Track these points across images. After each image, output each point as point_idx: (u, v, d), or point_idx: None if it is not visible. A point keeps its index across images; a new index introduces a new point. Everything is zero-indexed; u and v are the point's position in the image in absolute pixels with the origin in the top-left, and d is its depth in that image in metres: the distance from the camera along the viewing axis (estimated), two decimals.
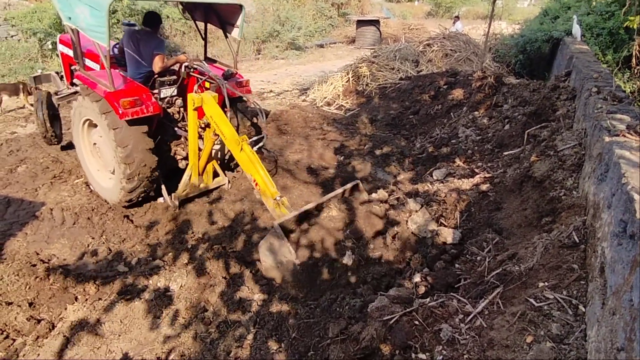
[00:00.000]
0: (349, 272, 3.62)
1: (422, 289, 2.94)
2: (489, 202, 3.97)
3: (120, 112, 4.25)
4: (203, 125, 4.69)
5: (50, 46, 11.57)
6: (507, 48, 11.25)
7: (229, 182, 5.44)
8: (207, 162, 5.06)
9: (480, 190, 4.24)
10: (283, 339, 2.93)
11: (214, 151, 5.09)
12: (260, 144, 4.57)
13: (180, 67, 4.98)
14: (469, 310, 2.36)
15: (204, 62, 5.06)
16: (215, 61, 5.79)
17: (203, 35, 5.78)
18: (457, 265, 3.14)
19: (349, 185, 4.19)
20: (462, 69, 9.22)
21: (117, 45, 5.31)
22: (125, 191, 4.72)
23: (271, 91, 10.84)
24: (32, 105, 8.02)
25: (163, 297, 3.50)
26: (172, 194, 5.05)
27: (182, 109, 5.07)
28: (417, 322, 2.34)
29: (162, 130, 5.00)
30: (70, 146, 6.15)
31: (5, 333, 3.22)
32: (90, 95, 4.66)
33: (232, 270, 3.86)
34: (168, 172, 5.20)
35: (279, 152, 6.39)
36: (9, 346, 3.14)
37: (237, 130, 5.14)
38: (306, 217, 3.83)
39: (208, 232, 4.59)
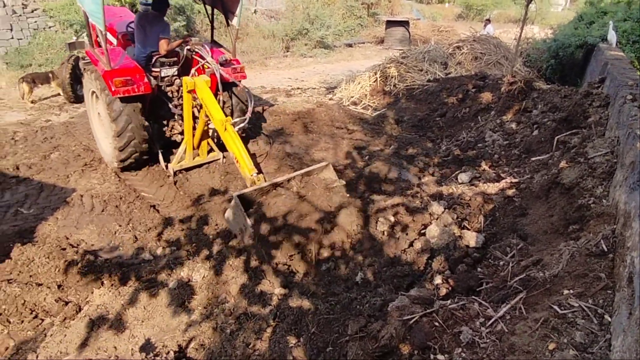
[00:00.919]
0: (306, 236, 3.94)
1: (443, 291, 2.92)
2: (515, 208, 3.89)
3: (113, 89, 4.70)
4: (198, 106, 5.04)
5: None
6: (539, 53, 10.98)
7: (223, 157, 5.80)
8: (202, 139, 5.46)
9: (505, 195, 4.16)
10: (302, 334, 2.95)
11: (211, 130, 5.42)
12: (241, 125, 4.98)
13: (183, 49, 5.39)
14: (490, 314, 2.33)
15: (205, 46, 5.45)
16: (220, 45, 6.14)
17: (210, 19, 6.29)
18: (479, 269, 3.10)
19: (318, 165, 4.49)
20: (492, 73, 9.04)
21: (133, 23, 5.67)
22: (118, 159, 5.29)
23: (298, 89, 10.91)
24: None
25: (185, 287, 3.57)
26: (168, 165, 5.52)
27: (181, 88, 5.34)
28: (437, 324, 2.33)
29: (160, 106, 5.47)
30: None
31: (34, 313, 3.36)
32: (94, 73, 5.19)
33: (252, 264, 3.90)
34: (168, 143, 5.70)
35: (304, 149, 6.43)
36: (38, 325, 3.28)
37: (232, 113, 5.71)
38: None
39: None
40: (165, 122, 5.64)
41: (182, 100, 5.26)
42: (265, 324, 3.11)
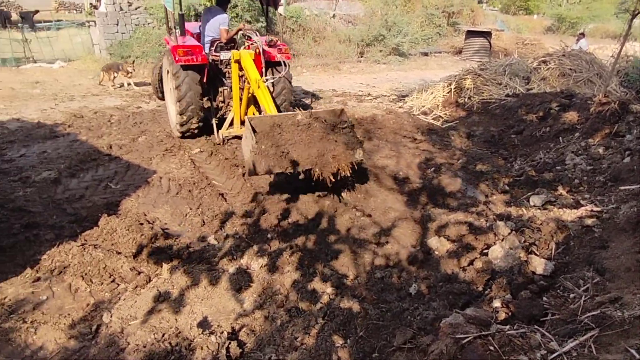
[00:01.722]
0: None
1: (502, 315, 2.76)
2: (593, 239, 3.58)
3: (177, 58, 5.88)
4: (244, 78, 5.91)
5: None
6: None
7: None
8: (247, 108, 6.25)
9: (583, 224, 3.84)
10: (349, 336, 2.96)
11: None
12: (271, 80, 5.91)
13: (237, 33, 6.46)
14: (553, 347, 2.17)
15: (255, 31, 6.35)
16: (269, 32, 7.54)
17: (265, 13, 7.48)
18: (545, 298, 2.90)
19: (334, 109, 4.98)
20: (580, 91, 8.38)
21: None
22: (178, 123, 6.33)
23: (369, 94, 10.91)
24: (128, 83, 10.32)
25: (243, 274, 3.72)
26: (219, 131, 6.54)
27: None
28: (492, 348, 2.22)
29: (218, 84, 6.60)
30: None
31: (112, 277, 3.70)
32: (166, 51, 6.59)
33: (307, 261, 3.98)
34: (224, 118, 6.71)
35: (368, 155, 6.43)
36: (114, 289, 3.61)
37: (273, 86, 6.56)
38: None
39: (292, 222, 4.77)
40: (222, 99, 6.68)
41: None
42: (314, 320, 3.16)
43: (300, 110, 4.89)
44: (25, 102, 8.73)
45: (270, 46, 6.33)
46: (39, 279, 3.60)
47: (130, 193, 5.14)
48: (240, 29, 6.36)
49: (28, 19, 16.43)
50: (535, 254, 3.61)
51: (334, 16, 19.72)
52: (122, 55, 12.84)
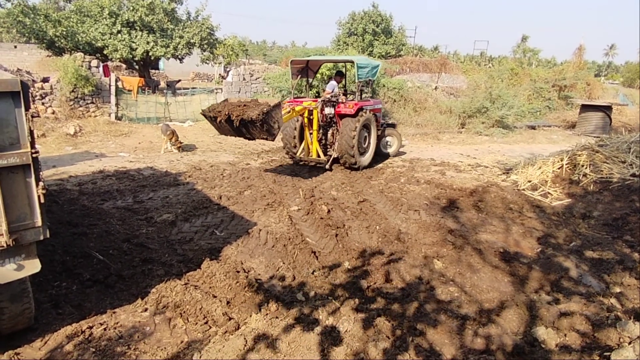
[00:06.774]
0: None
1: None
2: None
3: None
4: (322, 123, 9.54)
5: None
6: None
7: (327, 161, 9.40)
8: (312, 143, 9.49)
9: None
10: None
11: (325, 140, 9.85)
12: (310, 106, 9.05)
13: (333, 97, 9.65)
14: None
15: (334, 96, 9.51)
16: (366, 100, 10.32)
17: (357, 84, 9.71)
18: None
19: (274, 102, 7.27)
20: None
21: None
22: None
23: (469, 165, 10.59)
24: (171, 146, 11.01)
25: (328, 335, 3.65)
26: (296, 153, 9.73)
27: (332, 118, 9.60)
28: None
29: (324, 128, 9.68)
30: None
31: (206, 319, 3.92)
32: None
33: (397, 332, 3.79)
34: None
35: (469, 228, 6.12)
36: (206, 331, 3.80)
37: (337, 131, 9.47)
38: None
39: (383, 288, 4.65)
40: (325, 139, 9.81)
41: (332, 124, 9.74)
42: None
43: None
44: (158, 154, 10.22)
45: (342, 103, 9.35)
46: (146, 309, 3.97)
47: (231, 241, 5.53)
48: (336, 95, 9.65)
49: (172, 86, 19.70)
50: None
51: (436, 88, 20.09)
52: None
